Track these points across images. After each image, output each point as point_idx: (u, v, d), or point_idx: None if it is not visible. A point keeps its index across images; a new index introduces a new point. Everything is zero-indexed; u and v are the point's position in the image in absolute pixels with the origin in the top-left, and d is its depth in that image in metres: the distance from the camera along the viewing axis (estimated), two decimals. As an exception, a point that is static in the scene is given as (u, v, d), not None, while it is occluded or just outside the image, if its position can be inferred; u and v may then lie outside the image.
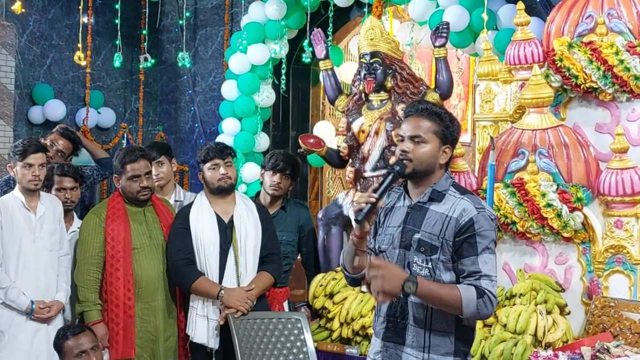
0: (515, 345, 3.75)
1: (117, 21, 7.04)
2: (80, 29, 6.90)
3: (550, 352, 3.72)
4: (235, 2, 7.01)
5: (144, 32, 7.52)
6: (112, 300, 4.14)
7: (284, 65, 6.43)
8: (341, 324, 4.43)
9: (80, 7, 6.86)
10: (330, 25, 6.13)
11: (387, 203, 2.87)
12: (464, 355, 2.78)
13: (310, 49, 5.83)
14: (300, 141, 4.99)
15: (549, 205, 4.03)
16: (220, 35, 7.20)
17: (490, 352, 3.81)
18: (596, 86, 4.16)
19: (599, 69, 4.12)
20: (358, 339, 4.35)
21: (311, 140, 5.01)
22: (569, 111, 4.37)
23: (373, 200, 2.64)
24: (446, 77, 4.75)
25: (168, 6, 7.57)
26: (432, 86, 4.87)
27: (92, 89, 7.29)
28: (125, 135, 7.47)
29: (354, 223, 2.72)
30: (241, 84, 6.45)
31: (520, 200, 4.10)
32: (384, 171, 4.72)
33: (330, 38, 5.96)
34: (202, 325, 4.13)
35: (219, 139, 6.39)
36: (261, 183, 4.85)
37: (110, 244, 4.17)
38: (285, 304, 4.67)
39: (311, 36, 5.30)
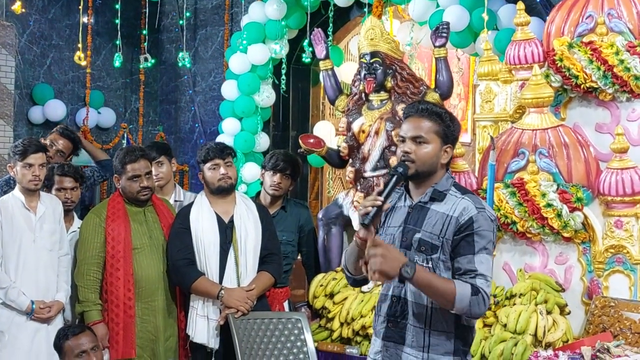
0: (516, 345, 3.75)
1: (117, 21, 7.04)
2: (81, 29, 6.90)
3: (550, 352, 3.72)
4: (236, 2, 7.02)
5: (144, 32, 7.52)
6: (112, 300, 4.15)
7: (284, 65, 6.43)
8: (341, 324, 4.43)
9: (80, 7, 6.86)
10: (331, 25, 6.13)
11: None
12: (464, 355, 2.78)
13: (311, 49, 5.83)
14: (300, 141, 4.99)
15: (549, 205, 4.03)
16: (221, 35, 7.20)
17: (490, 352, 3.81)
18: (596, 86, 4.16)
19: (599, 69, 4.12)
20: (358, 339, 4.35)
21: (311, 140, 5.01)
22: (569, 111, 4.37)
23: (379, 203, 2.64)
24: (446, 77, 4.75)
25: (168, 6, 7.57)
26: (432, 86, 4.87)
27: (92, 89, 7.29)
28: (125, 135, 7.47)
29: (357, 226, 2.72)
30: (241, 84, 6.45)
31: (521, 200, 4.10)
32: (384, 171, 4.73)
33: (330, 38, 5.96)
34: (203, 325, 4.13)
35: (219, 139, 6.39)
36: (261, 183, 4.85)
37: (111, 244, 4.18)
38: (286, 304, 4.67)
39: (311, 36, 5.30)
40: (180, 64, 7.03)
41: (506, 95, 4.56)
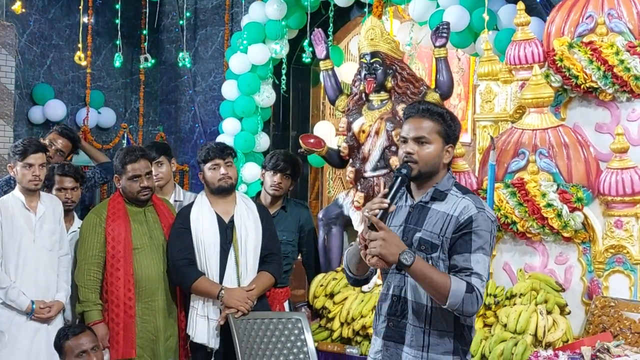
0: (516, 345, 3.76)
1: (118, 21, 7.05)
2: (81, 29, 6.91)
3: (550, 352, 3.72)
4: (236, 2, 7.02)
5: (144, 32, 7.52)
6: (113, 300, 4.15)
7: (284, 65, 6.43)
8: (341, 324, 4.43)
9: (81, 7, 6.86)
10: (331, 25, 6.14)
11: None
12: (464, 355, 2.78)
13: (311, 49, 5.83)
14: (300, 141, 4.99)
15: (549, 205, 4.03)
16: (221, 35, 7.20)
17: (490, 352, 3.81)
18: (596, 86, 4.16)
19: (599, 69, 4.12)
20: (358, 339, 4.35)
21: (311, 140, 5.01)
22: (569, 111, 4.37)
23: (385, 205, 2.63)
24: (446, 77, 4.75)
25: (168, 6, 7.57)
26: (433, 86, 4.87)
27: (92, 89, 7.29)
28: (125, 136, 7.48)
29: (358, 226, 2.71)
30: (241, 84, 6.45)
31: (521, 200, 4.10)
32: (384, 171, 4.73)
33: (330, 38, 5.97)
34: (203, 325, 4.13)
35: (219, 139, 6.39)
36: (262, 183, 4.86)
37: (111, 244, 4.18)
38: (286, 304, 4.67)
39: (311, 36, 5.30)
40: (180, 64, 7.04)
41: (506, 95, 4.56)
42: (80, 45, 6.81)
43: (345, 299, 4.48)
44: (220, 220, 4.22)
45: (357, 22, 6.39)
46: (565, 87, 4.29)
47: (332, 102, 5.23)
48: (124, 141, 7.42)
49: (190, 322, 4.17)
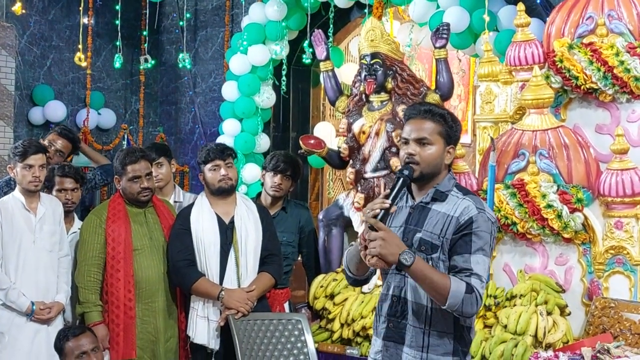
0: (516, 346, 3.76)
1: (118, 22, 7.05)
2: (81, 30, 6.91)
3: (550, 352, 3.72)
4: (236, 3, 7.02)
5: (145, 33, 7.53)
6: (113, 302, 4.15)
7: (284, 66, 6.43)
8: (342, 325, 4.43)
9: (81, 8, 6.87)
10: (331, 26, 6.14)
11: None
12: (463, 356, 2.78)
13: (311, 50, 5.84)
14: (300, 142, 4.99)
15: (549, 206, 4.03)
16: (221, 36, 7.20)
17: (490, 353, 3.81)
18: (596, 87, 4.16)
19: (599, 70, 4.12)
20: (359, 339, 4.35)
21: (312, 141, 5.01)
22: (569, 112, 4.37)
23: (387, 205, 2.63)
24: (447, 78, 4.75)
25: (168, 7, 7.58)
26: (433, 87, 4.87)
27: (92, 90, 7.29)
28: (125, 137, 7.48)
29: (359, 227, 2.71)
30: (241, 85, 6.45)
31: (521, 201, 4.10)
32: (384, 172, 4.73)
33: (330, 39, 5.97)
34: (203, 326, 4.13)
35: (220, 140, 6.39)
36: (262, 184, 4.86)
37: (111, 245, 4.18)
38: (286, 305, 4.67)
39: (312, 37, 5.30)
40: (180, 65, 7.04)
41: (506, 96, 4.56)
42: (80, 46, 6.81)
43: (346, 300, 4.48)
44: (220, 221, 4.22)
45: (357, 23, 6.39)
46: (566, 88, 4.29)
47: (332, 103, 5.23)
48: (124, 142, 7.43)
49: (191, 323, 4.17)
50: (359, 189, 4.83)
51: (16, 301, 4.16)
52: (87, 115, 7.15)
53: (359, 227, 4.73)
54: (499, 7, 5.08)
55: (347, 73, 6.32)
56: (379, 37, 4.83)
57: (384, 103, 4.83)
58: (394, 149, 4.64)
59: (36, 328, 4.21)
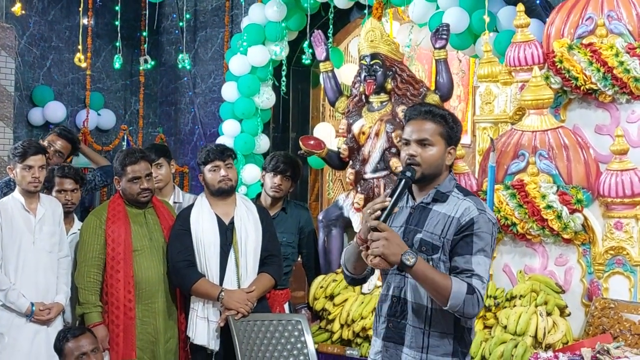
0: (516, 346, 3.75)
1: (117, 23, 7.06)
2: (80, 30, 6.91)
3: (550, 353, 3.72)
4: (236, 3, 7.02)
5: (144, 33, 7.53)
6: (113, 302, 4.15)
7: (284, 67, 6.43)
8: (342, 326, 4.43)
9: (80, 9, 6.87)
10: (331, 27, 6.14)
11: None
12: (463, 356, 2.78)
13: (311, 50, 5.83)
14: (300, 143, 4.99)
15: (549, 206, 4.03)
16: (221, 36, 7.21)
17: (490, 354, 3.81)
18: (596, 88, 4.16)
19: (598, 70, 4.12)
20: (358, 340, 4.35)
21: (311, 142, 5.01)
22: (568, 113, 4.37)
23: (387, 204, 2.63)
24: (446, 78, 4.75)
25: (168, 8, 7.58)
26: (432, 88, 4.87)
27: (92, 91, 7.29)
28: (125, 137, 7.48)
29: (358, 227, 2.70)
30: (241, 86, 6.45)
31: (521, 202, 4.10)
32: (384, 173, 4.73)
33: (330, 40, 5.97)
34: (203, 327, 4.13)
35: (219, 140, 6.39)
36: (262, 185, 4.86)
37: (111, 245, 4.18)
38: (286, 306, 4.67)
39: (311, 38, 5.30)
40: (180, 66, 7.04)
41: (506, 96, 4.56)
42: (80, 47, 6.81)
43: (345, 300, 4.48)
44: (220, 221, 4.22)
45: (357, 24, 6.39)
46: (565, 88, 4.28)
47: (332, 104, 5.23)
48: (124, 143, 7.43)
49: (190, 323, 4.17)
50: (359, 189, 4.83)
51: (16, 302, 4.16)
52: (87, 116, 7.16)
53: (358, 227, 4.73)
54: (498, 8, 5.08)
55: (346, 74, 6.33)
56: (378, 38, 4.83)
57: (384, 104, 4.83)
58: (393, 150, 4.64)
59: (36, 329, 4.21)
